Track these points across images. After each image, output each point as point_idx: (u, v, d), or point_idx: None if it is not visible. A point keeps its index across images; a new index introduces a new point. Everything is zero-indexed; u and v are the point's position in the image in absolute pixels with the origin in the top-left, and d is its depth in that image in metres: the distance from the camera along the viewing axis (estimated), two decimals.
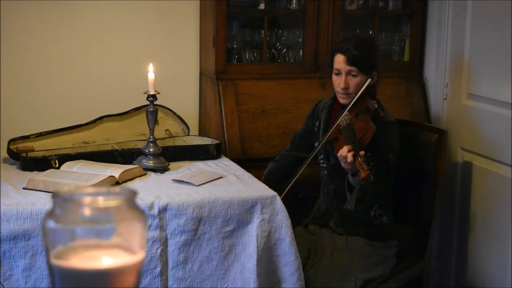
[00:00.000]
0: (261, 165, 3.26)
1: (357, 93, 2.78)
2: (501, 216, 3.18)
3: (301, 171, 2.86)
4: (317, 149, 2.85)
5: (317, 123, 2.99)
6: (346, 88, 2.81)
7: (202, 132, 3.67)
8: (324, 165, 2.95)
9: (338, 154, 2.61)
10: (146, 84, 2.97)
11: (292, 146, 3.11)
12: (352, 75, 2.82)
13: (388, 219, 2.92)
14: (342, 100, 2.86)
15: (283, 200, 2.72)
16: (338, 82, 2.85)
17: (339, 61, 2.83)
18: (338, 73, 2.85)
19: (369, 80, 2.78)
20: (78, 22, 3.52)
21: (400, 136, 2.87)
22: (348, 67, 2.81)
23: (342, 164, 2.61)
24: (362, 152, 2.56)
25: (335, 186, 2.92)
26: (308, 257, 2.87)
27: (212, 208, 2.62)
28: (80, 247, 1.01)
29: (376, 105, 2.79)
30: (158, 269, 2.57)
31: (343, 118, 2.74)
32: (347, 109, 2.77)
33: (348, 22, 3.67)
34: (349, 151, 2.57)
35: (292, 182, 2.87)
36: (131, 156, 3.05)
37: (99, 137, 3.26)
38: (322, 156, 2.94)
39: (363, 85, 2.79)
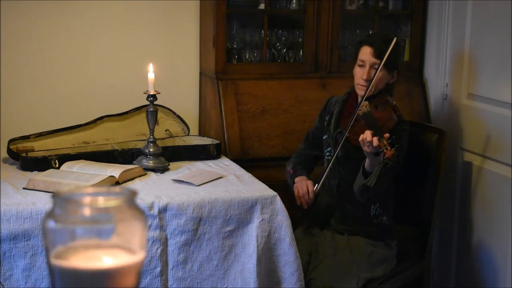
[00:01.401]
0: (261, 165, 3.26)
1: (373, 77, 2.77)
2: (501, 216, 3.18)
3: (331, 162, 2.83)
4: (342, 140, 2.79)
5: (327, 117, 2.98)
6: (368, 80, 2.81)
7: (202, 132, 3.67)
8: (330, 157, 2.94)
9: (361, 139, 2.59)
10: (146, 84, 2.97)
11: (306, 145, 3.10)
12: (375, 69, 2.81)
13: (389, 219, 2.92)
14: (361, 92, 2.84)
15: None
16: (360, 73, 2.84)
17: (366, 52, 2.83)
18: (362, 65, 2.84)
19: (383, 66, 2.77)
20: (78, 22, 3.52)
21: (411, 138, 2.87)
22: (374, 60, 2.81)
23: (365, 149, 2.59)
24: (387, 135, 2.56)
25: (338, 180, 2.91)
26: (309, 261, 2.87)
27: (212, 208, 2.62)
28: (80, 247, 1.01)
29: (394, 102, 2.80)
30: (158, 269, 2.57)
31: (363, 107, 2.73)
32: (364, 97, 2.76)
33: (348, 22, 3.67)
34: (372, 136, 2.56)
35: (324, 175, 2.84)
36: (131, 156, 3.05)
37: (99, 137, 3.26)
38: (329, 148, 2.93)
39: (377, 71, 2.78)
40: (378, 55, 2.80)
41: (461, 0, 3.43)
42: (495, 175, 3.23)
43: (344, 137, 2.78)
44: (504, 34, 3.13)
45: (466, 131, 3.42)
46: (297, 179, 2.94)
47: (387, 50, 2.79)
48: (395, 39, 2.80)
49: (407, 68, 3.72)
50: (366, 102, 2.74)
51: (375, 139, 2.54)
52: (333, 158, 2.84)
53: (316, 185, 2.88)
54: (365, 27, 3.72)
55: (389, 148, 2.52)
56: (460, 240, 3.47)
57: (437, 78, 3.63)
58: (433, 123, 3.57)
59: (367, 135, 2.56)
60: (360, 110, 2.73)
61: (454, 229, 3.50)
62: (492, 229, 3.25)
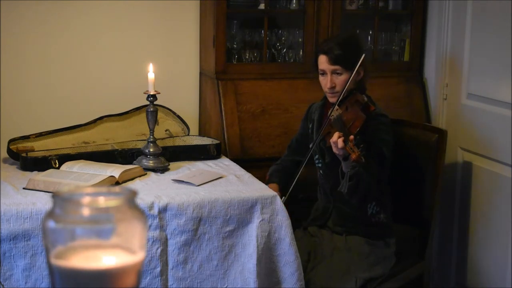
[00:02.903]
0: (261, 165, 3.26)
1: (345, 86, 2.79)
2: (501, 216, 3.18)
3: (299, 173, 2.86)
4: (312, 149, 2.85)
5: (310, 125, 3.00)
6: (332, 88, 2.84)
7: (202, 132, 3.67)
8: (320, 165, 2.96)
9: (330, 140, 2.61)
10: (146, 84, 2.97)
11: (289, 151, 3.12)
12: (337, 74, 2.83)
13: (386, 216, 2.92)
14: (331, 99, 2.88)
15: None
16: (324, 82, 2.87)
17: (322, 61, 2.85)
18: (323, 73, 2.87)
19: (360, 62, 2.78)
20: (78, 22, 3.52)
21: (394, 131, 2.88)
22: (332, 67, 2.83)
23: (334, 150, 2.61)
24: (351, 137, 2.57)
25: (331, 184, 2.92)
26: (308, 260, 2.87)
27: (212, 208, 2.62)
28: (80, 247, 1.01)
29: (366, 99, 2.80)
30: (158, 269, 2.57)
31: (334, 112, 2.76)
32: (336, 104, 2.78)
33: (348, 22, 3.67)
34: (339, 137, 2.57)
35: (291, 187, 2.86)
36: (131, 156, 3.05)
37: (99, 137, 3.26)
38: (317, 156, 2.95)
39: (348, 80, 2.80)
40: (334, 60, 2.81)
41: (461, 0, 3.43)
42: (495, 175, 3.23)
43: (317, 143, 2.81)
44: (504, 34, 3.13)
45: (466, 131, 3.42)
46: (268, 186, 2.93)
47: (342, 53, 2.80)
48: (363, 56, 2.79)
49: (407, 68, 3.73)
50: (337, 107, 2.77)
51: (340, 141, 2.56)
52: (306, 159, 2.85)
53: (283, 197, 2.85)
54: (365, 27, 3.72)
55: (354, 150, 2.54)
56: (460, 240, 3.47)
57: (437, 78, 3.63)
58: (433, 123, 3.57)
59: (334, 137, 2.59)
60: (331, 116, 2.76)
61: (454, 229, 3.50)
62: (492, 229, 3.25)
